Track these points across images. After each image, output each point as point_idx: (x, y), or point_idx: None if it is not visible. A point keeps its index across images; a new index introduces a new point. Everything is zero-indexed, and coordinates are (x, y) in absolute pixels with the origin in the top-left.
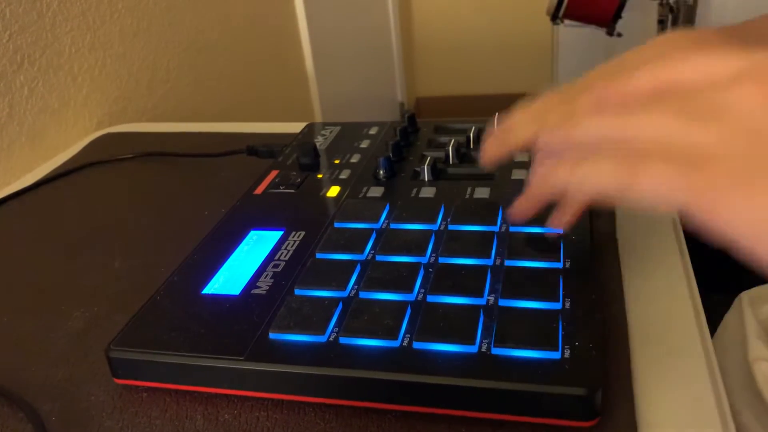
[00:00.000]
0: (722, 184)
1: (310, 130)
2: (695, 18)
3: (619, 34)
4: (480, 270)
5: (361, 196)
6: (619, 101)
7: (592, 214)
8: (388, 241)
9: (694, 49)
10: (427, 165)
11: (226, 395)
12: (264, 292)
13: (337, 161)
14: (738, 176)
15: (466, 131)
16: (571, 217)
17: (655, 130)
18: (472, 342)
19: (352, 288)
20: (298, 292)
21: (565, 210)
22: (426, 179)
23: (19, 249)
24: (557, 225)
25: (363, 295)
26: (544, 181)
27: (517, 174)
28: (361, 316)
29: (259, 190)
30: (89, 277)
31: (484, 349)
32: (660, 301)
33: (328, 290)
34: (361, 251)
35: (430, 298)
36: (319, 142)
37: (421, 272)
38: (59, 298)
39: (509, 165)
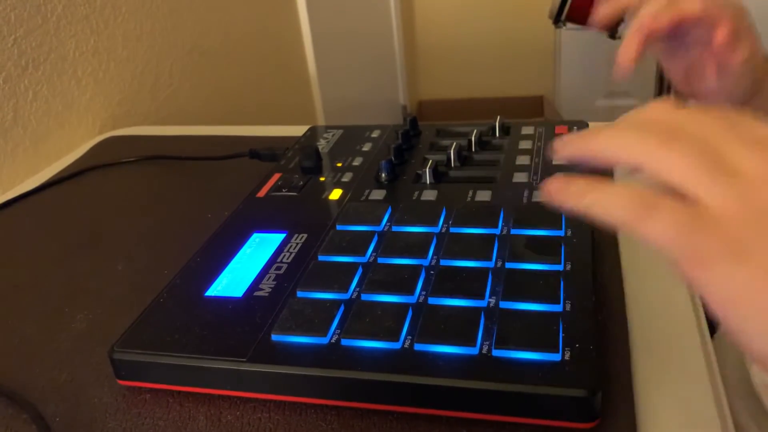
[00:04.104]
0: (715, 251)
1: (312, 134)
2: None
3: (621, 38)
4: (481, 272)
5: (363, 198)
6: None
7: None
8: (390, 243)
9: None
10: (429, 168)
11: (228, 396)
12: (266, 295)
13: (339, 164)
14: (727, 249)
15: (467, 134)
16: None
17: (682, 172)
18: (473, 344)
19: (354, 290)
20: (300, 294)
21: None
22: (428, 182)
23: (23, 252)
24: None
25: (365, 297)
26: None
27: (518, 177)
28: (362, 318)
29: (261, 193)
30: (93, 279)
31: (485, 350)
32: (660, 303)
33: (330, 292)
34: (363, 254)
35: (432, 300)
36: (322, 145)
37: (423, 274)
38: (63, 300)
39: (510, 168)
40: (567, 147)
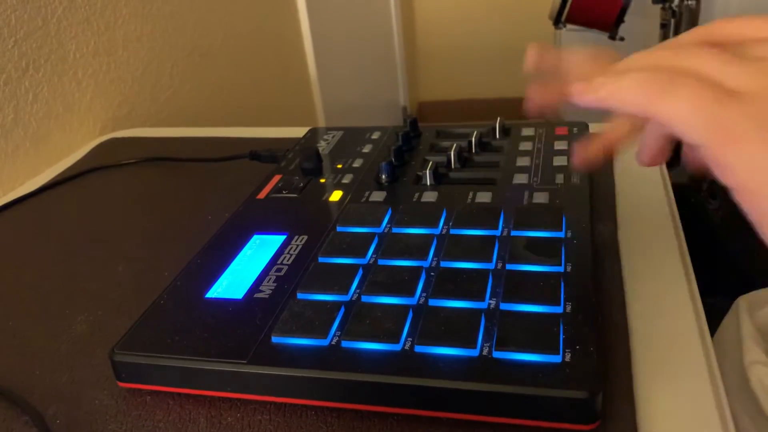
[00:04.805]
0: (742, 125)
1: (312, 135)
2: (698, 21)
3: (622, 39)
4: (481, 274)
5: (363, 200)
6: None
7: (593, 218)
8: (390, 245)
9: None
10: (429, 169)
11: (229, 398)
12: (267, 296)
13: (339, 166)
14: (760, 122)
15: (467, 136)
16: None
17: (698, 60)
18: (473, 345)
19: (355, 292)
20: (300, 296)
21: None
22: (428, 184)
23: (23, 253)
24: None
25: (365, 299)
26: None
27: (518, 179)
28: (363, 320)
29: (261, 195)
30: (93, 281)
31: (485, 352)
32: (661, 304)
33: (330, 294)
34: (363, 255)
35: (432, 302)
36: (322, 146)
37: (423, 276)
38: (63, 302)
39: (510, 170)
40: (581, 94)
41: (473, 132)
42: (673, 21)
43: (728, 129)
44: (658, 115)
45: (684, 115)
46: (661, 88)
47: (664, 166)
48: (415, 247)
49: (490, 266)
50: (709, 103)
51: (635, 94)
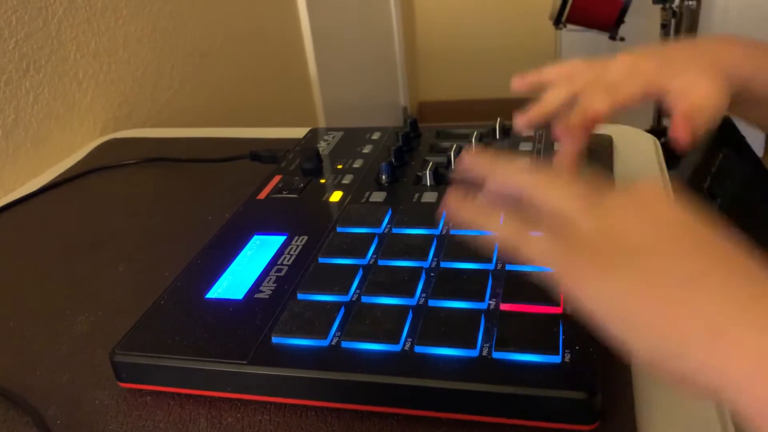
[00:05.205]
0: (584, 270)
1: (312, 136)
2: (698, 22)
3: (622, 39)
4: (481, 274)
5: (363, 200)
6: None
7: None
8: (390, 245)
9: None
10: (429, 170)
11: (229, 399)
12: (267, 297)
13: (339, 166)
14: (595, 266)
15: (468, 136)
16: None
17: (558, 204)
18: (473, 346)
19: (354, 292)
20: (300, 296)
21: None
22: (428, 184)
23: (24, 254)
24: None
25: (365, 299)
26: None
27: None
28: (363, 321)
29: (262, 195)
30: (94, 281)
31: (485, 353)
32: None
33: (330, 294)
34: (364, 256)
35: (432, 303)
36: (322, 147)
37: (423, 277)
38: (64, 302)
39: None
40: (471, 165)
41: (473, 132)
42: (673, 21)
43: (571, 272)
44: (522, 258)
45: (540, 261)
46: (521, 240)
47: (664, 166)
48: (415, 248)
49: (490, 267)
50: (555, 252)
51: (502, 240)
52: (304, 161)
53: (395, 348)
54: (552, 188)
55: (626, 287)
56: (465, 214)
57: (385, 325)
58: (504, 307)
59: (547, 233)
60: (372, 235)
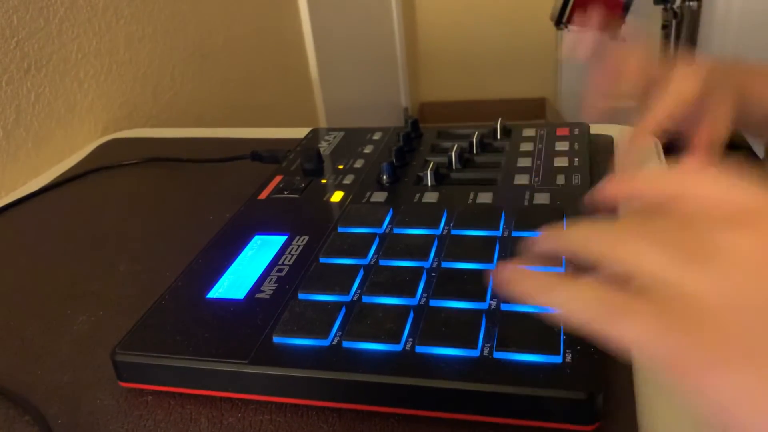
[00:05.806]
0: (701, 356)
1: (314, 136)
2: (699, 23)
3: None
4: (483, 275)
5: (364, 201)
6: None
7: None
8: (391, 245)
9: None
10: (430, 170)
11: (230, 398)
12: (268, 297)
13: (340, 166)
14: (715, 355)
15: (469, 136)
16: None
17: (651, 265)
18: (474, 346)
19: (356, 292)
20: (301, 296)
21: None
22: (429, 184)
23: (25, 253)
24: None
25: (366, 299)
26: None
27: (519, 179)
28: (364, 320)
29: (263, 195)
30: (95, 281)
31: (486, 353)
32: None
33: (331, 294)
34: (365, 256)
35: (433, 303)
36: (323, 147)
37: (424, 277)
38: (65, 302)
39: (511, 171)
40: (544, 242)
41: (474, 133)
42: (674, 22)
43: (681, 362)
44: (613, 338)
45: (639, 344)
46: (615, 313)
47: (664, 166)
48: (416, 248)
49: (491, 267)
50: (659, 334)
51: (587, 313)
52: (305, 161)
53: (396, 348)
54: (637, 246)
55: (756, 381)
56: (532, 284)
57: (386, 325)
58: (505, 307)
59: (646, 306)
60: (373, 235)
